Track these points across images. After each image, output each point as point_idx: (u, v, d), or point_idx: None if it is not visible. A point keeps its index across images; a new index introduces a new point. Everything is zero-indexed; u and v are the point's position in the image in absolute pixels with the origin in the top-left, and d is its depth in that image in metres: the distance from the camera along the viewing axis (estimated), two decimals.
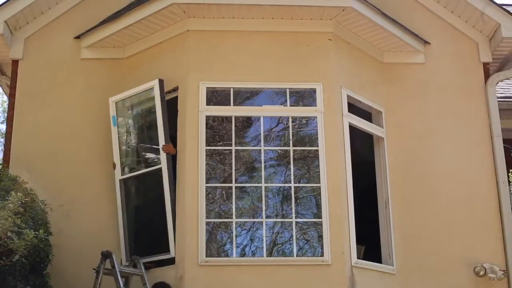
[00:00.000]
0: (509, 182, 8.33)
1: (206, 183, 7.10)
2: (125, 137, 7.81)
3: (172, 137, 7.39)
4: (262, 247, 6.99)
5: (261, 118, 7.44)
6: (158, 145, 7.31)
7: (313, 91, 7.48)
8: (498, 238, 7.83)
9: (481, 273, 7.61)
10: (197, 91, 7.35)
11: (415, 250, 7.66)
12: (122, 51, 8.14)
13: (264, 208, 7.10)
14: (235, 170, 7.23)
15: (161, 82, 7.41)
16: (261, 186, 7.16)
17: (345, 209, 7.16)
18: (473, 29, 8.54)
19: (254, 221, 7.17)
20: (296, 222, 7.11)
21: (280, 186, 7.30)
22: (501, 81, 8.65)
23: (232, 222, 7.08)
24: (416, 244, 7.69)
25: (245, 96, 7.58)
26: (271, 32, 7.63)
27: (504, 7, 8.51)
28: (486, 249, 7.78)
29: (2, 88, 9.46)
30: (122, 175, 7.61)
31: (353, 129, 7.65)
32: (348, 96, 7.66)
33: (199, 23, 7.60)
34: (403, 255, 7.62)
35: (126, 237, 7.43)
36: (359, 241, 7.30)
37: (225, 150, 7.31)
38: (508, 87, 10.31)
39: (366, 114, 8.04)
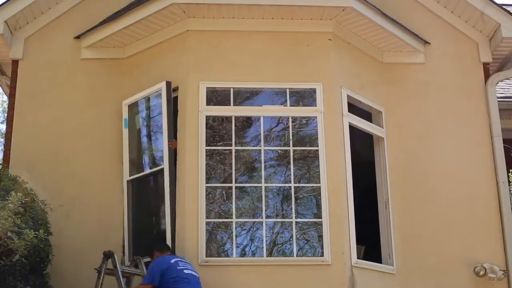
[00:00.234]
0: (509, 182, 8.33)
1: (206, 183, 7.10)
2: (132, 138, 7.81)
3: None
4: (262, 247, 6.99)
5: (261, 118, 7.44)
6: (163, 147, 7.32)
7: (313, 91, 7.49)
8: (498, 238, 7.83)
9: (481, 273, 7.61)
10: (197, 91, 7.36)
11: (415, 250, 7.66)
12: (122, 51, 8.14)
13: (264, 208, 7.10)
14: (235, 170, 7.23)
15: (168, 84, 7.42)
16: (261, 186, 7.16)
17: (345, 209, 7.16)
18: (473, 29, 8.54)
19: (254, 221, 7.17)
20: (296, 222, 7.11)
21: (280, 186, 7.30)
22: (501, 81, 8.65)
23: (232, 222, 7.08)
24: (416, 244, 7.69)
25: (245, 96, 7.58)
26: (271, 32, 7.63)
27: (504, 7, 8.52)
28: (486, 249, 7.78)
29: (2, 88, 9.47)
30: (130, 176, 7.61)
31: (353, 129, 7.65)
32: (348, 96, 7.66)
33: (199, 23, 7.61)
34: (403, 255, 7.62)
35: (130, 237, 7.42)
36: (359, 241, 7.30)
37: (225, 150, 7.31)
38: (508, 87, 10.31)
39: (366, 114, 8.04)
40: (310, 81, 7.50)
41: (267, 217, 7.09)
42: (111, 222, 7.54)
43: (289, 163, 7.30)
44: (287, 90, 7.51)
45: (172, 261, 6.39)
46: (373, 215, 7.89)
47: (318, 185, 7.16)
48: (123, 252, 7.39)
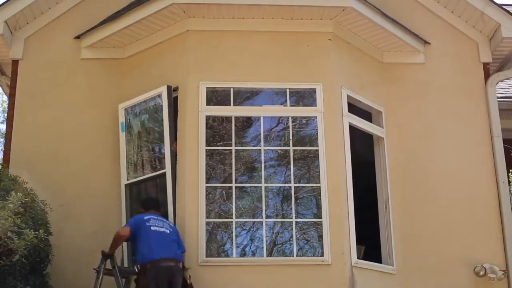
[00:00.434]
0: (509, 182, 8.33)
1: (206, 183, 7.10)
2: (131, 142, 7.80)
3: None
4: (262, 247, 6.99)
5: (261, 118, 7.44)
6: (164, 150, 7.31)
7: (313, 91, 7.49)
8: (498, 238, 7.83)
9: (481, 273, 7.61)
10: (197, 91, 7.36)
11: (415, 250, 7.66)
12: (122, 51, 8.14)
13: (264, 208, 7.10)
14: (235, 170, 7.23)
15: (169, 88, 7.42)
16: (261, 186, 7.16)
17: (345, 209, 7.16)
18: (473, 29, 8.54)
19: (254, 221, 7.18)
20: (296, 222, 7.11)
21: (280, 186, 7.31)
22: (501, 81, 8.65)
23: (232, 222, 7.08)
24: (416, 244, 7.69)
25: (245, 96, 7.58)
26: (271, 32, 7.63)
27: (504, 7, 8.52)
28: (486, 249, 7.78)
29: (2, 88, 9.47)
30: (128, 180, 7.61)
31: (353, 129, 7.65)
32: (348, 96, 7.66)
33: (199, 23, 7.61)
34: (403, 255, 7.62)
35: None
36: (359, 241, 7.30)
37: (225, 150, 7.31)
38: (508, 87, 10.31)
39: (366, 114, 8.04)
40: (310, 81, 7.50)
41: (267, 217, 7.09)
42: (111, 222, 7.53)
43: (289, 163, 7.30)
44: (287, 90, 7.51)
45: (146, 217, 6.62)
46: (373, 215, 7.89)
47: (318, 185, 7.16)
48: (122, 252, 7.38)
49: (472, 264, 7.68)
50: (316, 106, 7.43)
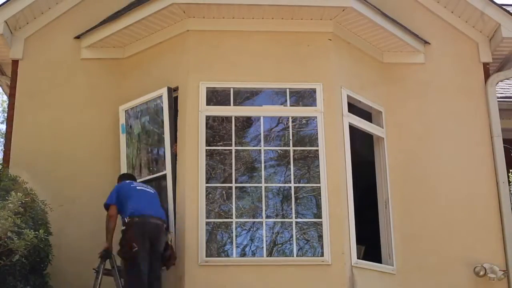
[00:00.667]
0: (509, 182, 8.33)
1: (206, 183, 7.10)
2: (131, 144, 7.79)
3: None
4: (262, 247, 6.99)
5: (261, 118, 7.44)
6: (164, 152, 7.31)
7: (313, 91, 7.49)
8: (498, 238, 7.83)
9: (481, 273, 7.61)
10: (197, 91, 7.36)
11: (415, 250, 7.66)
12: (122, 51, 8.14)
13: (264, 208, 7.10)
14: (235, 170, 7.23)
15: (169, 90, 7.42)
16: (261, 186, 7.16)
17: (345, 209, 7.16)
18: (473, 29, 8.54)
19: (254, 221, 7.18)
20: (296, 222, 7.11)
21: (280, 186, 7.31)
22: (501, 81, 8.65)
23: (232, 222, 7.08)
24: (416, 244, 7.69)
25: (245, 96, 7.58)
26: (271, 32, 7.63)
27: (504, 7, 8.52)
28: (486, 249, 7.78)
29: (2, 88, 9.47)
30: None
31: (353, 129, 7.65)
32: (348, 96, 7.66)
33: (199, 23, 7.61)
34: (403, 255, 7.62)
35: None
36: (359, 241, 7.30)
37: (225, 150, 7.31)
38: (508, 87, 10.31)
39: (366, 114, 8.04)
40: (310, 81, 7.50)
41: (267, 217, 7.09)
42: None
43: (289, 163, 7.30)
44: (287, 90, 7.51)
45: (127, 182, 7.00)
46: (373, 215, 7.89)
47: (318, 185, 7.16)
48: None
49: (472, 264, 7.68)
50: (316, 106, 7.43)
